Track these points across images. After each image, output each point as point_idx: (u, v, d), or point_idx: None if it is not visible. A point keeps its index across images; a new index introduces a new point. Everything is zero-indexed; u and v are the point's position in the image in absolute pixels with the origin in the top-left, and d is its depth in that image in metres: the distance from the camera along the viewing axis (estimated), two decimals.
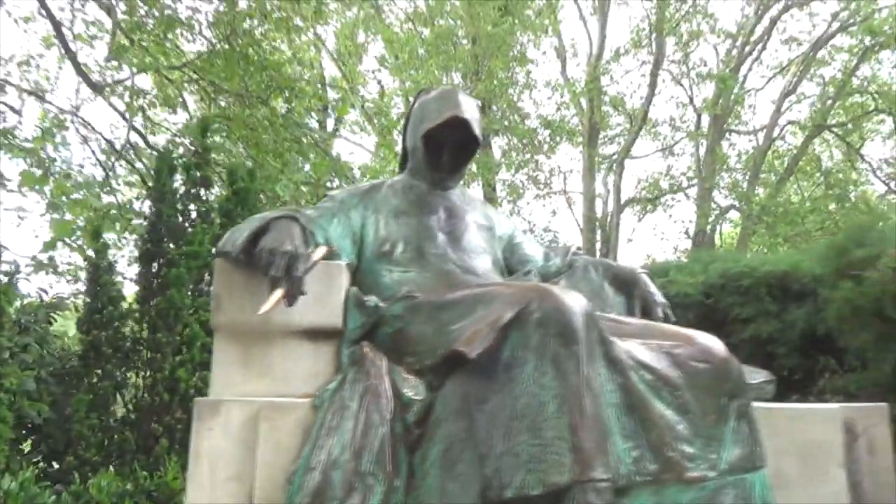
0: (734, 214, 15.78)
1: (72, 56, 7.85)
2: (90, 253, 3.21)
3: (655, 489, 1.61)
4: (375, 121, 12.86)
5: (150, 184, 3.36)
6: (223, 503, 1.81)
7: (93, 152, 7.83)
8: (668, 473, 1.60)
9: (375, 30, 15.62)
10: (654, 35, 14.45)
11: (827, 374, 2.86)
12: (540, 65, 16.23)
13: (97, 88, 7.85)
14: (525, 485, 1.44)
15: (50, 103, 8.73)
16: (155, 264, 3.22)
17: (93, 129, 7.86)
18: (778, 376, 2.84)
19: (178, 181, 3.27)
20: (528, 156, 16.37)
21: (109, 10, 7.34)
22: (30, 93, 8.46)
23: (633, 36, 15.06)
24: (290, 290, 1.79)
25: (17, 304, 3.10)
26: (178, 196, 3.22)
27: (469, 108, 2.33)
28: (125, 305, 3.21)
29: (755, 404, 1.94)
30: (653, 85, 14.60)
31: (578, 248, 2.68)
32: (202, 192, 3.30)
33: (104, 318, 3.07)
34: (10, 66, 8.33)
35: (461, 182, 2.50)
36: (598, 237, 15.74)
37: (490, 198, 15.64)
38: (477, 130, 2.31)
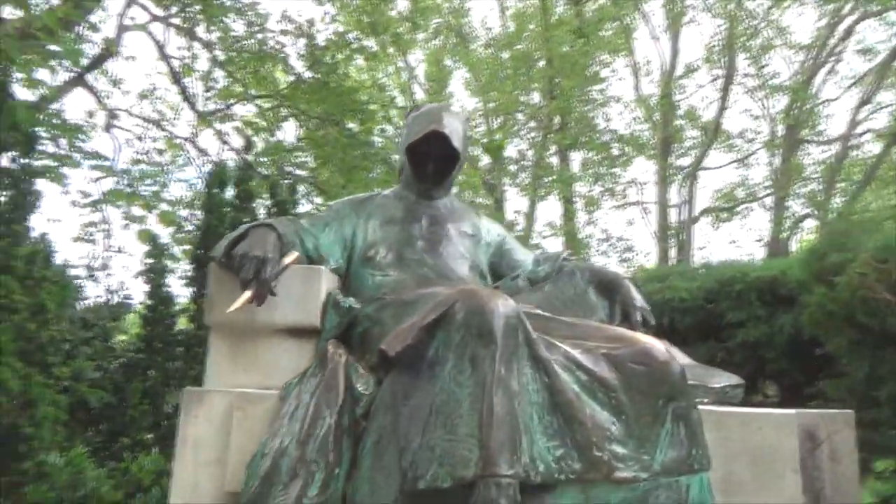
0: (811, 223, 14.82)
1: (182, 88, 8.38)
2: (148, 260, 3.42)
3: (582, 487, 1.53)
4: None
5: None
6: (204, 484, 1.86)
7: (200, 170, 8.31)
8: (594, 473, 1.52)
9: (459, 56, 15.77)
10: (725, 51, 13.83)
11: (814, 378, 2.62)
12: (613, 83, 15.77)
13: (203, 117, 8.32)
14: (436, 477, 1.40)
15: (168, 131, 9.31)
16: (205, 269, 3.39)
17: (203, 152, 8.33)
18: (768, 380, 2.66)
19: (230, 193, 3.43)
20: (603, 169, 16.03)
21: (208, 46, 7.78)
22: (147, 120, 9.07)
23: (705, 53, 14.47)
24: (259, 291, 1.84)
25: (85, 303, 3.36)
26: (226, 208, 3.37)
27: (451, 124, 2.31)
28: (178, 305, 3.41)
29: (708, 408, 1.82)
30: (725, 98, 13.97)
31: (570, 254, 2.59)
32: (248, 204, 3.44)
33: (158, 315, 3.26)
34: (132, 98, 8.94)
35: (450, 192, 2.48)
36: (673, 245, 15.19)
37: (568, 210, 15.43)
38: (456, 143, 2.28)
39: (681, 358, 2.21)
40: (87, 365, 2.94)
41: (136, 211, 4.87)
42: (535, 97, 15.16)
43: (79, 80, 8.11)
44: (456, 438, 1.42)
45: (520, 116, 14.79)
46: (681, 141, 15.43)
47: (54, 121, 5.47)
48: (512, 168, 14.31)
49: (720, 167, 15.71)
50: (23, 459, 2.34)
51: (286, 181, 6.94)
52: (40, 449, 2.38)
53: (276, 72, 8.38)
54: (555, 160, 15.77)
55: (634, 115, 15.25)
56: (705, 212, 15.47)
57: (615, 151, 15.32)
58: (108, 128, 8.68)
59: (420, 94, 15.91)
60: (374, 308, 1.98)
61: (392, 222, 2.30)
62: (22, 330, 2.32)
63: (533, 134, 15.33)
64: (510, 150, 15.04)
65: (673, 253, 14.81)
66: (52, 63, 3.95)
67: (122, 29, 8.11)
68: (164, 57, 8.38)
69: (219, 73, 8.30)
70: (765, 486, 1.71)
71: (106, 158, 5.10)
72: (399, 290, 2.06)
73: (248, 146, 3.96)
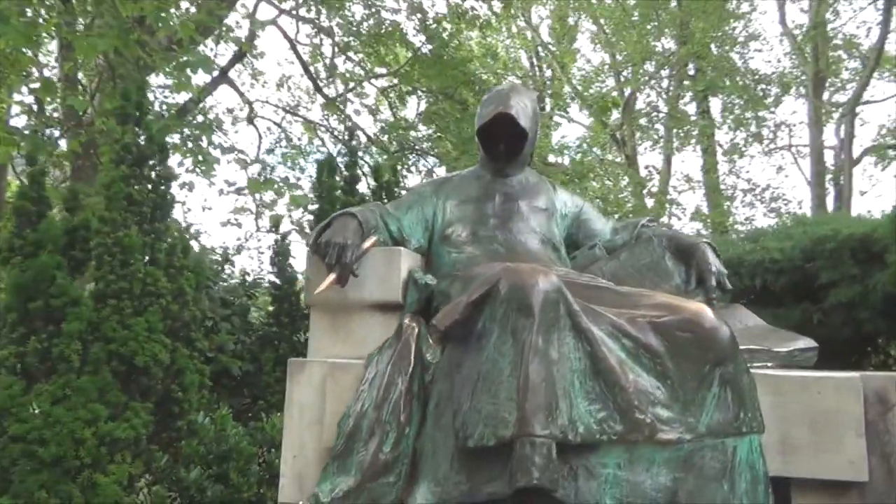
0: None
1: (311, 77, 8.96)
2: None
3: (626, 447, 1.65)
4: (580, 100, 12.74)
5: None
6: (308, 440, 2.17)
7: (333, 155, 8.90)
8: (636, 434, 1.63)
9: (583, 9, 15.31)
10: None
11: None
12: (754, 17, 14.58)
13: (330, 101, 8.87)
14: (482, 437, 1.59)
15: (302, 117, 10.01)
16: None
17: (335, 136, 8.90)
18: (863, 342, 2.53)
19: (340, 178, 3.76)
20: (749, 113, 15.00)
21: (329, 33, 8.24)
22: (284, 109, 9.80)
23: None
24: (341, 273, 2.09)
25: (224, 283, 3.85)
26: (336, 192, 3.69)
27: (518, 103, 2.42)
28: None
29: (766, 372, 1.85)
30: (887, 19, 12.47)
31: (650, 221, 2.63)
32: (355, 187, 3.74)
33: (283, 293, 3.68)
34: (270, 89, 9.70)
35: (524, 169, 2.59)
36: (830, 191, 13.98)
37: (707, 161, 14.64)
38: (524, 122, 2.39)
39: (752, 321, 2.23)
40: (227, 338, 3.40)
41: (269, 196, 5.38)
42: (668, 44, 14.44)
43: (222, 78, 8.94)
44: (498, 402, 1.59)
45: (649, 67, 14.15)
46: (837, 74, 14.07)
47: (199, 118, 6.15)
48: (643, 122, 13.78)
49: (886, 99, 14.14)
50: (176, 419, 2.81)
51: (407, 154, 7.30)
52: (189, 410, 2.83)
53: (394, 51, 8.72)
54: (691, 109, 14.98)
55: (784, 52, 14.04)
56: (868, 151, 14.04)
57: (759, 93, 14.27)
58: (250, 120, 9.50)
59: (544, 55, 15.69)
60: (445, 284, 2.18)
61: (468, 201, 2.46)
62: (167, 311, 2.76)
63: (665, 83, 14.64)
64: (640, 103, 14.51)
65: (831, 200, 13.66)
66: (188, 72, 4.44)
67: (255, 26, 8.80)
68: (293, 47, 9.00)
69: (340, 59, 8.80)
70: (824, 449, 1.73)
71: (242, 151, 5.65)
72: (470, 265, 2.24)
73: (352, 134, 4.27)
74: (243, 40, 7.99)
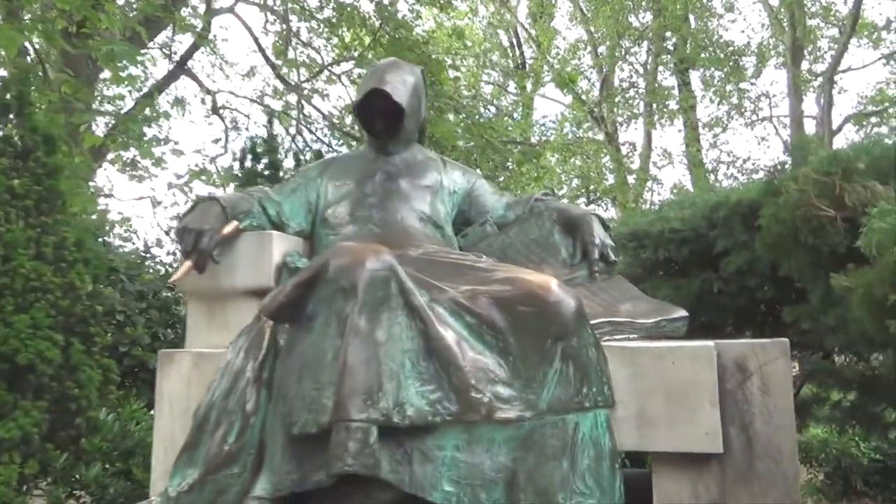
0: None
1: (270, 64, 8.83)
2: None
3: (465, 427, 1.57)
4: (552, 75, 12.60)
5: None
6: (178, 434, 2.09)
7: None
8: (473, 414, 1.55)
9: None
10: None
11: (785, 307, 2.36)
12: None
13: (294, 88, 8.75)
14: (306, 424, 1.51)
15: (266, 105, 9.88)
16: None
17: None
18: (760, 310, 2.45)
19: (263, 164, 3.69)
20: (730, 86, 14.87)
21: (284, 19, 8.11)
22: (249, 99, 9.67)
23: None
24: (198, 260, 2.01)
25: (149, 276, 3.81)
26: (259, 178, 3.62)
27: (395, 79, 2.33)
28: None
29: (621, 344, 1.77)
30: None
31: (545, 195, 2.55)
32: (276, 173, 3.67)
33: None
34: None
35: (410, 145, 2.50)
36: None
37: (689, 135, 14.51)
38: (399, 98, 2.30)
39: (631, 293, 2.14)
40: (143, 332, 3.33)
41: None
42: (645, 18, 14.28)
43: (181, 70, 8.82)
44: (320, 387, 1.52)
45: (625, 43, 13.99)
46: (814, 41, 13.91)
47: (146, 112, 6.05)
48: (618, 99, 13.64)
49: (864, 66, 13.99)
50: (74, 416, 2.74)
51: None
52: (88, 407, 2.76)
53: (359, 35, 8.59)
54: (671, 82, 14.84)
55: (760, 22, 13.88)
56: (849, 119, 13.91)
57: (737, 65, 14.12)
58: (215, 110, 9.39)
59: (524, 34, 15.54)
60: None
61: (348, 181, 2.38)
62: (57, 307, 2.68)
63: (643, 57, 14.50)
64: (618, 80, 14.35)
65: None
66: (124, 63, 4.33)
67: (211, 14, 8.66)
68: (252, 35, 8.87)
69: (299, 45, 8.67)
70: (680, 420, 1.65)
71: (176, 142, 5.56)
72: None
73: (271, 120, 4.20)
74: (198, 29, 7.87)
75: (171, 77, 8.40)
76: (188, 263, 2.02)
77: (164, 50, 8.37)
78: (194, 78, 9.01)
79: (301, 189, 2.41)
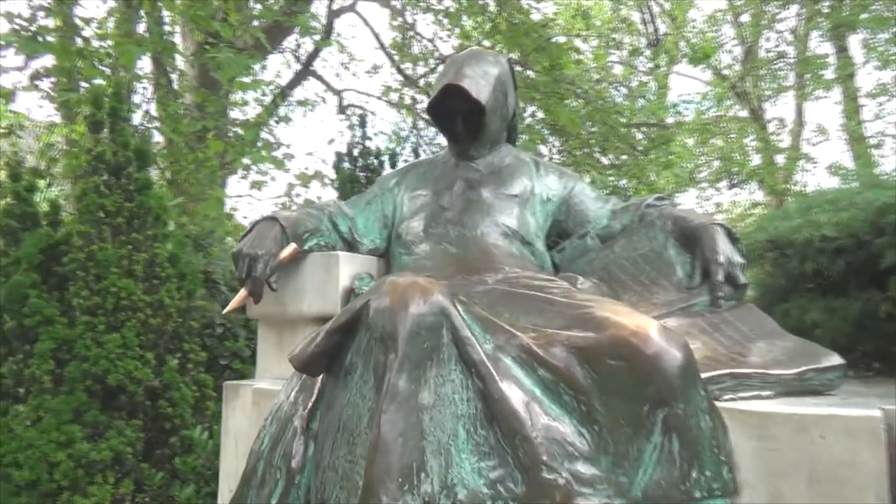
0: None
1: (390, 57, 8.76)
2: None
3: None
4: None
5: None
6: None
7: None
8: (544, 499, 1.21)
9: None
10: None
11: None
12: None
13: (411, 82, 8.62)
14: (338, 502, 1.25)
15: (388, 100, 9.85)
16: None
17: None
18: None
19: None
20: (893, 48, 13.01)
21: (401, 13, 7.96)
22: (371, 95, 9.65)
23: None
24: (253, 289, 1.81)
25: None
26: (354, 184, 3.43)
27: (475, 72, 2.01)
28: None
29: (750, 407, 1.34)
30: None
31: (659, 198, 2.12)
32: (372, 176, 3.46)
33: None
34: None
35: (497, 147, 2.16)
36: None
37: (848, 107, 12.87)
38: (479, 93, 1.97)
39: (759, 326, 1.68)
40: (243, 344, 3.25)
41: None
42: None
43: (307, 71, 8.96)
44: (353, 459, 1.25)
45: (770, 8, 12.60)
46: None
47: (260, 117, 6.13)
48: (763, 71, 12.33)
49: None
50: (168, 435, 2.68)
51: None
52: (182, 426, 2.69)
53: (475, 24, 8.30)
54: (826, 49, 13.20)
55: None
56: None
57: None
58: (342, 109, 9.47)
59: (657, 8, 14.49)
60: None
61: (423, 192, 2.10)
62: (147, 325, 2.61)
63: (792, 23, 12.99)
64: (763, 51, 12.97)
65: None
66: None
67: (333, 16, 8.71)
68: (373, 31, 8.82)
69: (418, 37, 8.51)
70: None
71: (288, 145, 5.55)
72: (418, 270, 1.88)
73: (363, 122, 3.99)
74: (319, 32, 7.91)
75: (298, 79, 8.54)
76: (243, 292, 1.82)
77: (294, 53, 8.52)
78: (320, 79, 9.12)
79: (377, 201, 2.16)
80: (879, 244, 1.87)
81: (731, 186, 12.49)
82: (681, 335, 1.33)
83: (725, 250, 1.79)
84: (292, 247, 1.88)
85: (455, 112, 2.13)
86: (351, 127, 6.02)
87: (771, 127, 13.04)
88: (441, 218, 1.99)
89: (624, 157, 6.76)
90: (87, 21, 4.58)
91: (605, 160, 7.43)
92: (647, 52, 13.31)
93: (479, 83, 2.00)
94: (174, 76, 5.67)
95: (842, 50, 12.99)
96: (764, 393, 1.41)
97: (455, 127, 2.13)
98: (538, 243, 2.01)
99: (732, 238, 1.87)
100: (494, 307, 1.53)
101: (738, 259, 1.80)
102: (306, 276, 1.97)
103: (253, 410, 1.91)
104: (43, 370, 2.41)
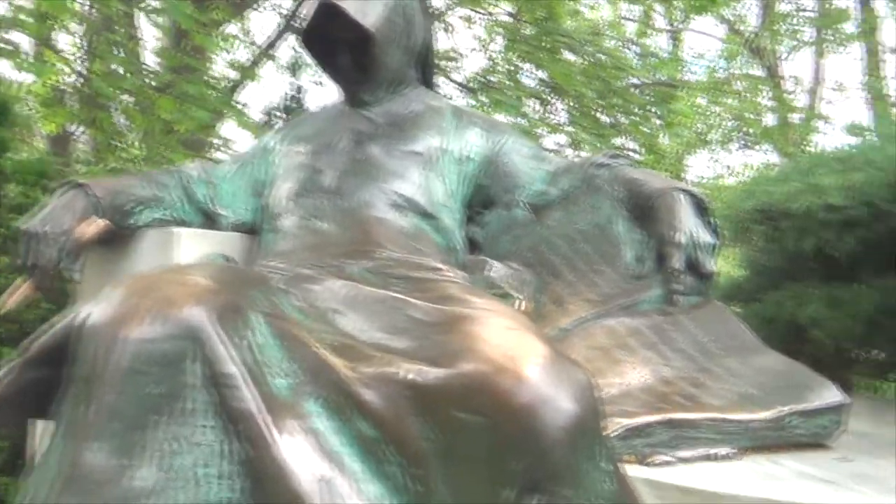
0: None
1: None
2: None
3: None
4: None
5: None
6: None
7: None
8: None
9: None
10: None
11: None
12: None
13: None
14: None
15: None
16: None
17: None
18: None
19: None
20: None
21: None
22: None
23: None
24: (39, 280, 1.33)
25: None
26: None
27: None
28: None
29: (687, 482, 0.85)
30: None
31: (613, 157, 1.60)
32: None
33: None
34: None
35: (400, 90, 1.65)
36: None
37: (872, 65, 12.00)
38: (362, 18, 1.46)
39: (728, 337, 1.19)
40: None
41: None
42: None
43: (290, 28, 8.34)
44: None
45: None
46: None
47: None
48: (780, 26, 11.49)
49: None
50: None
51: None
52: None
53: None
54: (847, 2, 12.29)
55: None
56: None
57: None
58: None
59: None
60: None
61: (304, 149, 1.60)
62: None
63: None
64: (782, 4, 12.09)
65: None
66: None
67: None
68: None
69: None
70: None
71: (244, 104, 5.06)
72: (279, 252, 1.41)
73: (295, 71, 3.46)
74: None
75: (279, 37, 7.94)
76: (27, 284, 1.34)
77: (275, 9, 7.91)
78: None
79: (251, 163, 1.67)
80: None
81: (743, 148, 11.75)
82: (581, 371, 0.83)
83: (688, 226, 1.29)
84: (97, 222, 1.39)
85: (344, 45, 1.62)
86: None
87: (787, 85, 12.25)
88: (315, 184, 1.49)
89: (624, 119, 6.13)
90: None
91: (606, 119, 6.81)
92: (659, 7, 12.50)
93: (365, 3, 1.48)
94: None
95: (865, 3, 12.10)
96: (719, 451, 0.91)
97: (339, 63, 1.61)
98: (446, 216, 1.51)
99: (702, 209, 1.36)
100: (338, 314, 1.05)
101: (705, 238, 1.30)
102: (137, 260, 1.50)
103: None
104: None
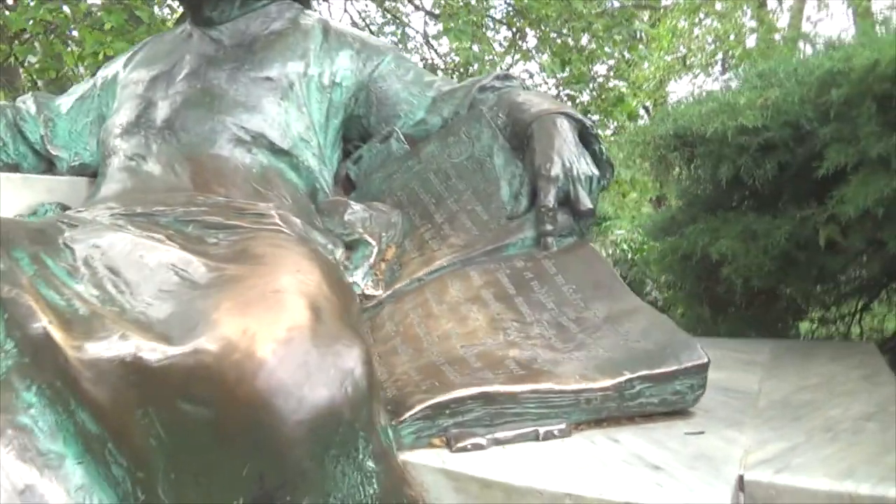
0: None
1: None
2: None
3: None
4: None
5: None
6: None
7: None
8: None
9: None
10: None
11: None
12: None
13: None
14: None
15: None
16: None
17: None
18: None
19: None
20: None
21: None
22: None
23: None
24: None
25: None
26: None
27: None
28: None
29: (490, 469, 0.71)
30: None
31: (500, 78, 1.41)
32: None
33: None
34: None
35: (251, 6, 1.42)
36: None
37: None
38: None
39: (597, 286, 1.04)
40: None
41: None
42: None
43: None
44: None
45: None
46: None
47: None
48: None
49: None
50: None
51: None
52: None
53: None
54: None
55: None
56: None
57: None
58: None
59: None
60: None
61: (139, 77, 1.39)
62: None
63: None
64: None
65: None
66: None
67: None
68: None
69: None
70: None
71: None
72: (107, 195, 1.23)
73: None
74: None
75: None
76: None
77: None
78: None
79: (93, 96, 1.47)
80: (824, 135, 1.16)
81: (724, 71, 11.36)
82: (356, 346, 0.67)
83: (566, 156, 1.11)
84: None
85: None
86: None
87: (771, 3, 11.78)
88: (145, 118, 1.29)
89: (584, 41, 5.80)
90: None
91: (571, 43, 6.47)
92: None
93: None
94: None
95: None
96: (547, 429, 0.76)
97: None
98: (306, 152, 1.32)
99: (586, 135, 1.17)
100: (113, 273, 0.88)
101: (584, 170, 1.13)
102: None
103: None
104: None
